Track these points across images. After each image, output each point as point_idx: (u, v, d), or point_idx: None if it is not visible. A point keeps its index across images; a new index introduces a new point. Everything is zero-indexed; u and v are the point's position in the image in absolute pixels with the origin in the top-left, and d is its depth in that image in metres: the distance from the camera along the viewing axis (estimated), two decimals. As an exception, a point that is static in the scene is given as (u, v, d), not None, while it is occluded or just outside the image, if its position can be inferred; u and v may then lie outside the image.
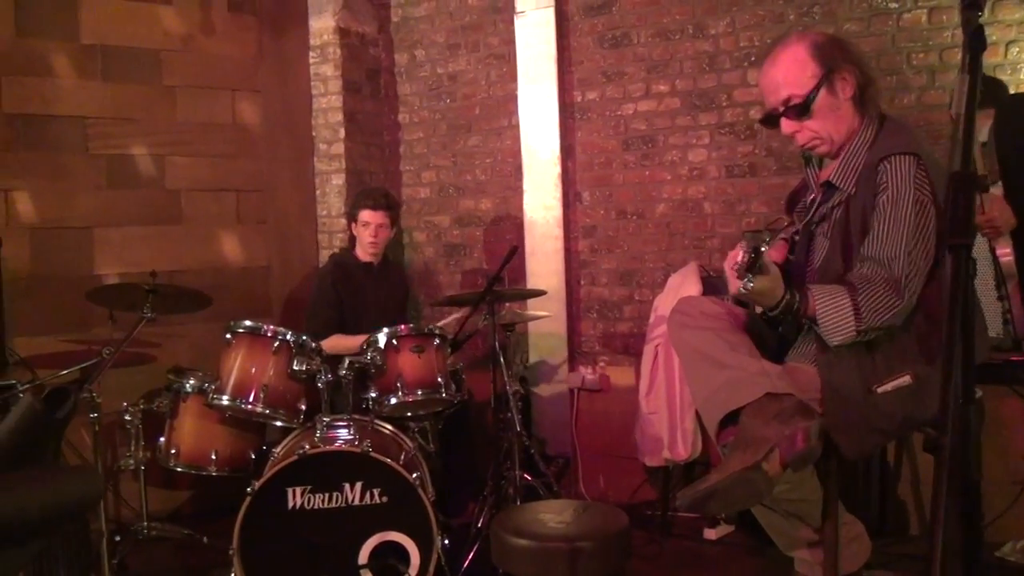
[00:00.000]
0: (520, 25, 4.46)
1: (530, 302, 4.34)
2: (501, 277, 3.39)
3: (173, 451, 3.41)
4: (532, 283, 4.46)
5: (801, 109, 2.10)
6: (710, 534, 3.76)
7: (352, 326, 3.84)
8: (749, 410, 1.88)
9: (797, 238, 2.24)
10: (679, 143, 4.22)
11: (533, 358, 4.56)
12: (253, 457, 3.47)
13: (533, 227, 4.52)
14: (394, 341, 3.25)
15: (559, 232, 4.46)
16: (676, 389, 3.70)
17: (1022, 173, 2.43)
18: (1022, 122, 2.73)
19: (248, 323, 3.22)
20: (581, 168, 4.48)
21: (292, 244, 4.78)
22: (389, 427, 3.37)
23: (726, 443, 1.94)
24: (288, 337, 3.19)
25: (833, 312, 1.90)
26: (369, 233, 3.87)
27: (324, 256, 4.78)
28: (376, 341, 3.26)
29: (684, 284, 3.79)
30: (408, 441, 3.35)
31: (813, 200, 2.22)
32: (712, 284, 3.81)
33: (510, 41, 4.54)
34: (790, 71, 2.11)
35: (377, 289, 3.99)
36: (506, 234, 4.71)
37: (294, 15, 4.73)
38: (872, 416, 1.94)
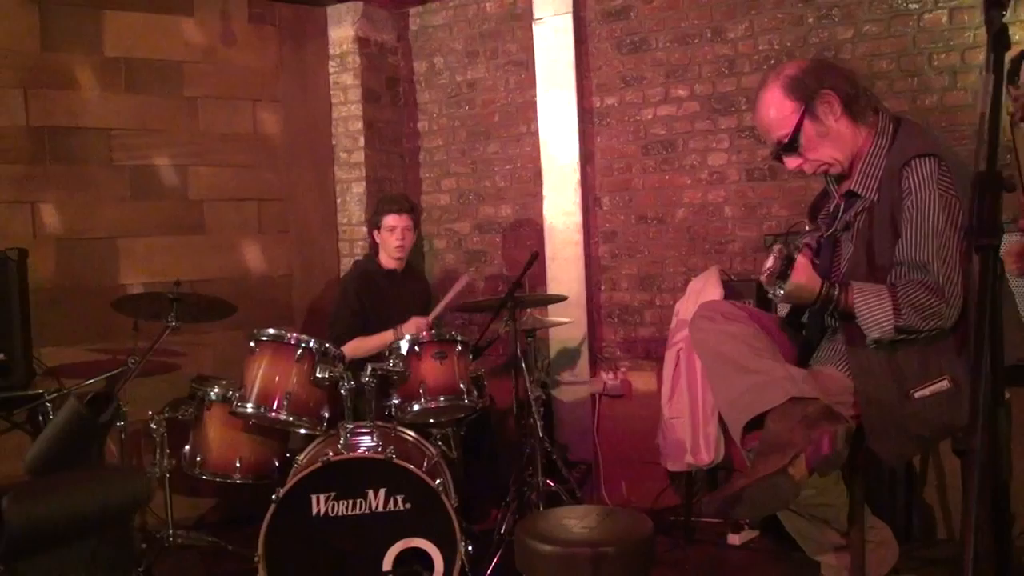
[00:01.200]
0: (539, 32, 4.47)
1: (551, 307, 4.34)
2: (522, 283, 3.39)
3: (198, 459, 3.44)
4: (553, 289, 4.46)
5: (790, 146, 2.13)
6: (734, 539, 3.73)
7: (375, 332, 3.85)
8: (774, 414, 1.87)
9: (822, 242, 2.23)
10: (699, 147, 4.21)
11: (554, 364, 4.56)
12: (277, 465, 3.49)
13: (553, 233, 4.52)
14: (416, 348, 3.26)
15: (579, 237, 4.46)
16: (699, 394, 3.68)
17: None
18: None
19: (271, 331, 3.24)
20: (601, 173, 4.48)
21: (313, 253, 4.81)
22: (412, 434, 3.37)
23: (751, 448, 1.93)
24: (311, 344, 3.20)
25: (872, 305, 1.90)
26: (396, 237, 3.88)
27: (345, 264, 4.81)
28: (398, 348, 3.27)
29: (706, 288, 3.78)
30: (431, 448, 3.36)
31: (836, 208, 2.21)
32: (734, 288, 3.80)
33: (528, 48, 4.56)
34: (771, 113, 2.16)
35: (400, 296, 4.00)
36: (526, 240, 4.72)
37: (313, 25, 4.77)
38: (911, 422, 1.93)
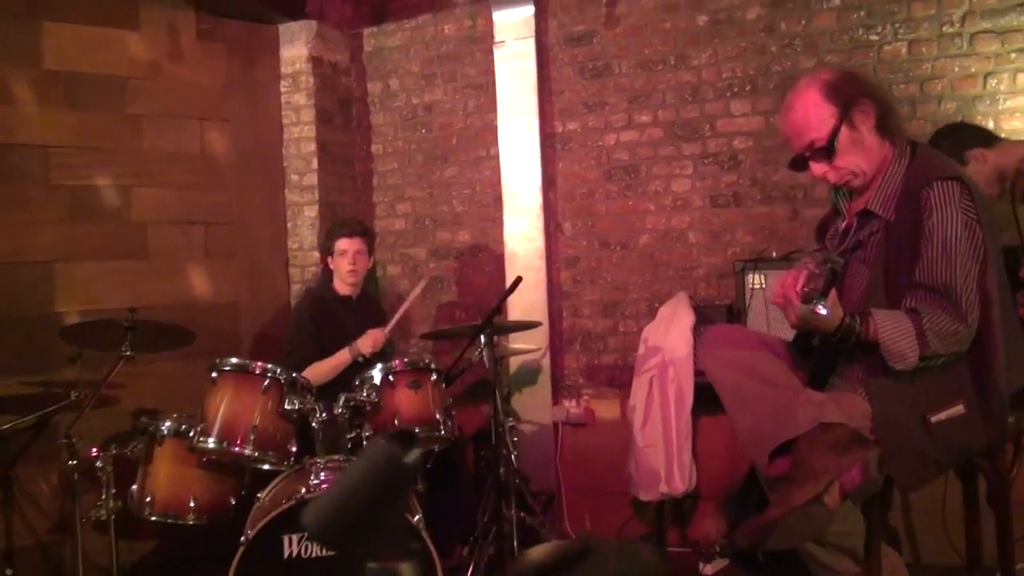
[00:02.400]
0: (500, 55, 4.42)
1: (511, 335, 4.25)
2: (501, 309, 3.29)
3: (148, 499, 3.20)
4: (513, 315, 4.37)
5: (826, 151, 2.09)
6: (707, 569, 3.68)
7: None
8: (803, 441, 1.82)
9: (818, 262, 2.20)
10: (662, 173, 4.20)
11: (515, 392, 4.46)
12: (233, 503, 3.29)
13: (514, 259, 4.44)
14: (390, 377, 3.13)
15: (541, 263, 4.39)
16: (672, 421, 3.64)
17: None
18: None
19: (234, 361, 3.07)
20: (563, 199, 4.43)
21: (262, 279, 4.61)
22: (380, 467, 3.22)
23: (777, 475, 1.87)
24: (279, 375, 3.03)
25: (896, 336, 1.86)
26: (348, 261, 3.74)
27: (296, 291, 4.63)
28: (371, 377, 3.12)
29: (676, 314, 3.75)
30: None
31: (847, 228, 2.19)
32: (704, 314, 3.78)
33: (488, 71, 4.49)
34: (808, 115, 2.10)
35: (357, 323, 3.85)
36: (485, 266, 4.63)
37: (264, 43, 4.61)
38: (928, 447, 1.90)
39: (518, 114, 4.40)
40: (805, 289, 1.80)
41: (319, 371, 3.54)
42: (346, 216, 4.48)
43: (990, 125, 3.58)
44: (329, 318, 3.76)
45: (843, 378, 2.06)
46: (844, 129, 2.05)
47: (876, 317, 1.90)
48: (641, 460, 3.71)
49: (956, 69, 3.61)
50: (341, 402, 2.98)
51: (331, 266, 3.84)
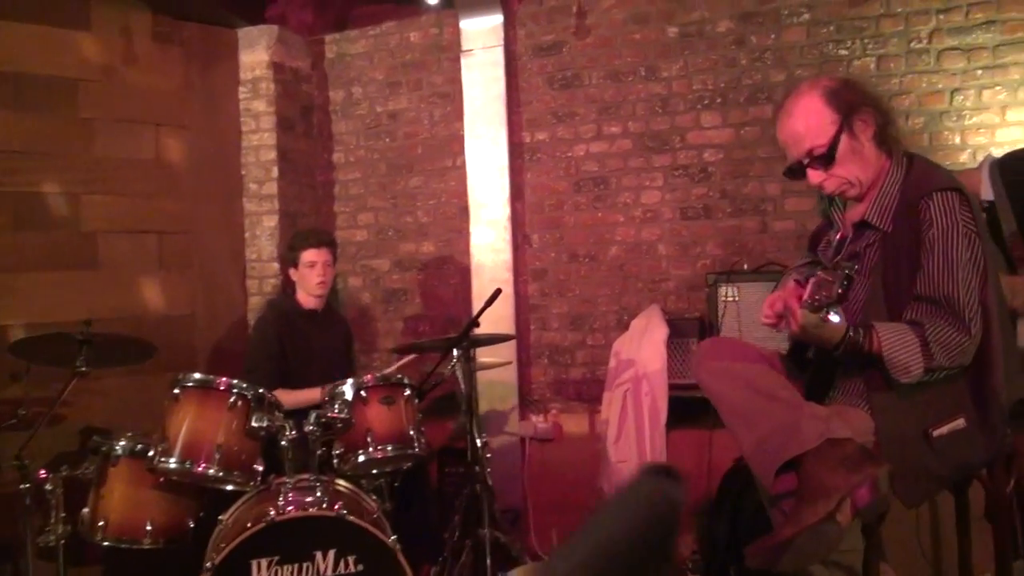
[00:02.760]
0: (467, 64, 4.34)
1: (479, 348, 4.15)
2: (479, 322, 3.21)
3: (100, 523, 3.00)
4: (480, 328, 4.26)
5: (826, 159, 2.05)
6: (680, 585, 3.64)
7: (297, 378, 3.57)
8: (812, 457, 1.77)
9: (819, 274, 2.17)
10: (632, 185, 4.17)
11: (481, 407, 4.36)
12: (192, 526, 3.12)
13: (481, 270, 4.36)
14: (362, 393, 3.01)
15: (508, 276, 4.32)
16: (646, 436, 3.59)
17: None
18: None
19: (198, 376, 2.91)
20: (531, 210, 4.37)
21: (219, 291, 4.44)
22: (348, 486, 3.09)
23: (783, 492, 1.82)
24: (245, 391, 2.89)
25: (900, 349, 1.82)
26: (317, 273, 3.62)
27: (254, 303, 4.48)
28: (342, 393, 3.00)
29: (649, 327, 3.71)
30: (370, 501, 3.09)
31: (842, 239, 2.15)
32: (677, 327, 3.75)
33: (455, 80, 4.42)
34: (809, 122, 2.06)
35: (322, 337, 3.73)
36: (450, 278, 4.54)
37: (223, 48, 4.46)
38: (931, 462, 1.87)
39: (486, 124, 4.32)
40: (816, 297, 1.75)
41: (285, 400, 3.40)
42: (309, 226, 4.35)
43: (956, 141, 3.63)
44: (294, 333, 3.63)
45: (843, 392, 2.02)
46: (844, 137, 2.02)
47: (879, 330, 1.87)
48: (614, 476, 3.65)
49: (924, 85, 3.65)
50: (312, 419, 2.85)
51: (294, 278, 3.70)
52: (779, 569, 1.75)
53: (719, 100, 4.00)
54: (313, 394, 3.45)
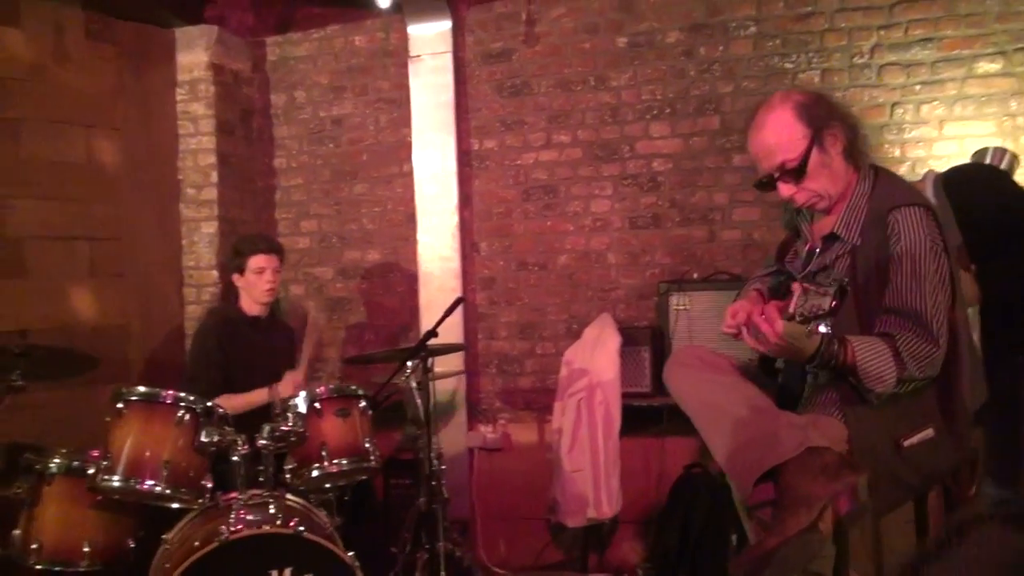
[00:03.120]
0: (415, 70, 4.29)
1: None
2: (437, 332, 3.15)
3: (34, 546, 2.83)
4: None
5: (797, 172, 2.06)
6: (634, 596, 3.64)
7: (241, 387, 3.44)
8: (791, 467, 1.78)
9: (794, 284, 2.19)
10: (581, 193, 4.18)
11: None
12: (132, 546, 2.98)
13: (429, 279, 4.30)
14: (316, 405, 2.91)
15: (456, 284, 4.27)
16: (600, 445, 3.59)
17: (980, 247, 2.51)
18: (969, 194, 2.85)
19: (143, 390, 2.78)
20: (479, 218, 4.33)
21: (154, 300, 4.27)
22: (300, 501, 3.00)
23: (762, 500, 1.83)
24: (193, 404, 2.77)
25: (874, 360, 1.84)
26: (266, 280, 3.51)
27: (191, 312, 4.33)
28: (295, 405, 2.91)
29: (602, 336, 3.71)
30: (322, 516, 3.00)
31: (810, 250, 2.18)
32: (629, 335, 3.76)
33: (403, 86, 4.36)
34: (780, 135, 2.07)
35: (266, 345, 3.61)
36: (396, 287, 4.46)
37: (159, 48, 4.30)
38: (902, 471, 1.90)
39: (434, 130, 4.27)
40: (802, 309, 1.75)
41: (229, 405, 3.28)
42: (253, 232, 4.22)
43: (896, 153, 3.74)
44: (237, 341, 3.51)
45: (814, 402, 2.03)
46: (815, 151, 2.04)
47: (853, 341, 1.88)
48: (568, 485, 3.64)
49: (866, 98, 3.76)
50: (265, 433, 2.75)
51: (239, 284, 3.58)
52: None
53: (668, 110, 4.04)
54: (259, 395, 3.35)
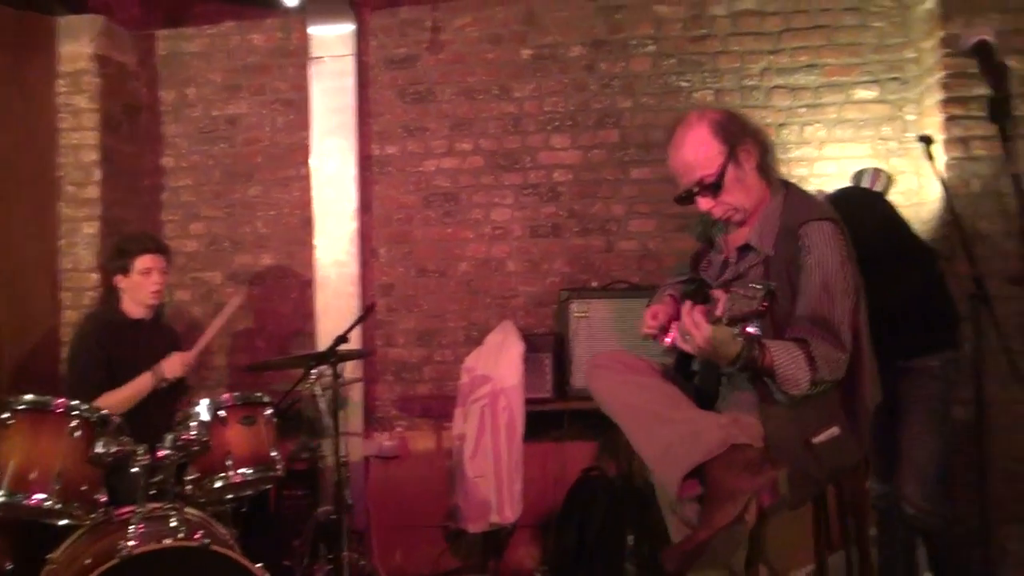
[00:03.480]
0: (315, 72, 4.21)
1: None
2: (348, 337, 3.09)
3: None
4: (324, 344, 4.12)
5: (714, 187, 2.18)
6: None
7: None
8: (717, 463, 1.86)
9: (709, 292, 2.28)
10: (482, 201, 4.21)
11: (325, 425, 4.20)
12: (10, 568, 2.80)
13: (326, 284, 4.22)
14: (220, 413, 2.82)
15: (354, 290, 4.21)
16: (503, 451, 3.62)
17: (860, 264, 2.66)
18: (849, 216, 3.05)
19: (31, 398, 2.61)
20: (379, 223, 4.29)
21: (27, 303, 4.00)
22: (198, 514, 2.88)
23: (689, 496, 1.90)
24: (87, 414, 2.62)
25: (790, 364, 1.95)
26: (153, 281, 3.36)
27: (68, 317, 4.08)
28: (197, 414, 2.79)
29: (505, 343, 3.75)
30: (222, 528, 2.90)
31: (725, 260, 2.29)
32: (530, 342, 3.81)
33: (302, 87, 4.27)
34: (698, 153, 2.19)
35: (150, 350, 3.45)
36: (291, 292, 4.36)
37: (39, 36, 4.04)
38: (812, 466, 2.02)
39: (333, 134, 4.21)
40: (731, 312, 1.84)
41: (115, 400, 3.13)
42: (137, 231, 4.02)
43: (781, 172, 3.93)
44: (120, 344, 3.34)
45: (730, 403, 2.14)
46: (731, 167, 2.16)
47: (770, 346, 1.99)
48: (471, 491, 3.65)
49: (755, 119, 3.92)
50: (168, 443, 2.63)
51: (121, 286, 3.41)
52: (693, 570, 1.83)
53: (569, 122, 4.13)
54: (143, 381, 3.23)
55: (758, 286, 1.81)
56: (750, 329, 1.83)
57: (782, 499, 1.87)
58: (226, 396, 2.89)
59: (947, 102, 3.55)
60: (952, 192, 3.28)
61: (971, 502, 3.37)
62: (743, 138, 2.19)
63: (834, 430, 2.06)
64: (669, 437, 1.95)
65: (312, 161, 4.23)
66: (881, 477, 2.82)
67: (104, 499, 2.66)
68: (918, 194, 3.77)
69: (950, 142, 3.52)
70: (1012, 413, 3.40)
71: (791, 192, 2.25)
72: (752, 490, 1.81)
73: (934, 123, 3.60)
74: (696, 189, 2.19)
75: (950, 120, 3.55)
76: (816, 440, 2.04)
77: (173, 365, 3.26)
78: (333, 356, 2.99)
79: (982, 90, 3.44)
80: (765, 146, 2.23)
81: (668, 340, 2.34)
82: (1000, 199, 3.45)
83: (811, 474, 2.05)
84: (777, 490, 1.85)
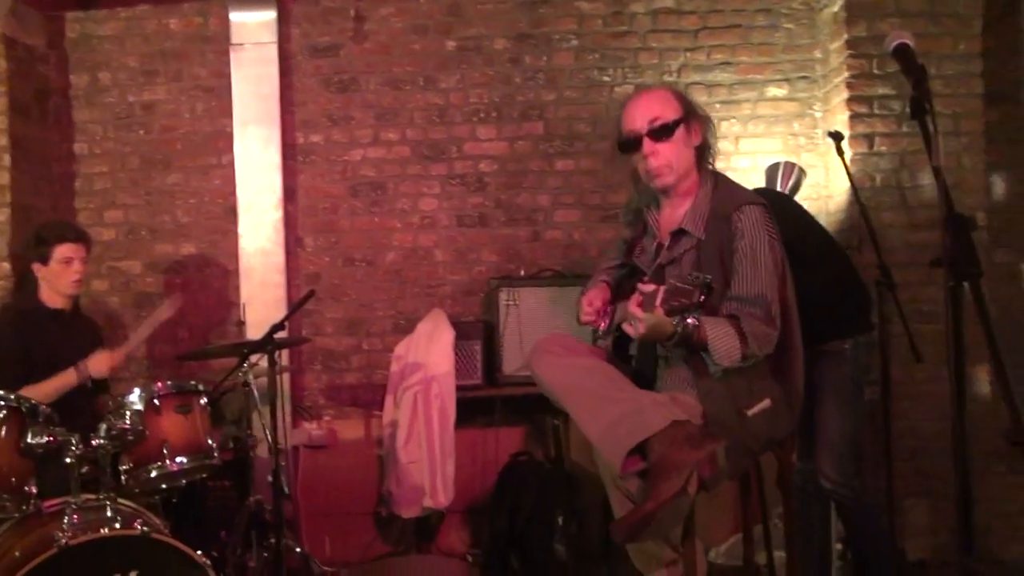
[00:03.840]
0: (237, 59, 4.15)
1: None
2: (284, 324, 3.09)
3: None
4: (251, 334, 4.09)
5: (665, 131, 2.28)
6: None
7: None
8: (660, 438, 1.97)
9: (646, 278, 2.39)
10: (409, 191, 4.24)
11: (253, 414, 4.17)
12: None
13: (251, 274, 4.18)
14: (155, 401, 2.79)
15: (281, 279, 4.19)
16: (435, 437, 3.68)
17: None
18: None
19: (-45, 388, 2.53)
20: (304, 213, 4.27)
21: (-69, 294, 3.83)
22: (131, 504, 2.84)
23: (632, 471, 2.01)
24: (15, 403, 2.56)
25: (723, 339, 2.09)
26: (73, 270, 3.28)
27: (-24, 308, 3.91)
28: (131, 403, 2.76)
29: (437, 330, 3.81)
30: (156, 519, 2.87)
31: (659, 245, 2.40)
32: (460, 329, 3.87)
33: (222, 74, 4.20)
34: (658, 101, 2.33)
35: (70, 341, 3.36)
36: (214, 281, 4.29)
37: (-60, 14, 3.86)
38: (746, 437, 2.16)
39: (257, 122, 4.16)
40: (672, 302, 1.95)
41: (36, 394, 3.03)
42: (58, 219, 3.89)
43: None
44: (38, 335, 3.25)
45: (668, 381, 2.26)
46: (682, 127, 2.29)
47: (705, 323, 2.12)
48: (404, 477, 3.70)
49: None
50: (102, 432, 2.59)
51: (39, 275, 3.32)
52: (641, 540, 1.93)
53: (494, 114, 4.21)
54: (66, 377, 3.15)
55: (695, 278, 1.93)
56: (689, 320, 1.96)
57: (721, 470, 2.00)
58: (159, 385, 2.86)
59: (852, 100, 3.79)
60: (858, 186, 3.51)
61: (879, 476, 3.64)
62: (696, 116, 2.34)
63: (766, 403, 2.21)
64: (612, 416, 2.05)
65: (235, 149, 4.18)
66: (799, 454, 3.01)
67: (35, 491, 2.60)
68: (827, 187, 4.01)
69: (855, 138, 3.77)
70: (914, 393, 3.67)
71: (720, 181, 2.39)
72: (694, 463, 1.93)
73: (840, 120, 3.84)
74: (647, 130, 2.28)
75: (855, 117, 3.79)
76: (750, 412, 2.18)
77: (99, 364, 3.19)
78: (270, 344, 2.99)
79: (885, 90, 3.75)
80: (708, 135, 2.37)
81: (604, 325, 2.46)
82: (902, 192, 3.72)
83: (747, 445, 2.19)
84: (716, 462, 1.97)
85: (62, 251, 3.26)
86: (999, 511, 3.81)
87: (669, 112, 2.30)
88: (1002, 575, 3.38)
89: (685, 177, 2.35)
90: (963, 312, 1.42)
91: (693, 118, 2.33)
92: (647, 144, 2.30)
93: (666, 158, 2.30)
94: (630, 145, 2.34)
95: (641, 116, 2.31)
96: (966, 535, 1.70)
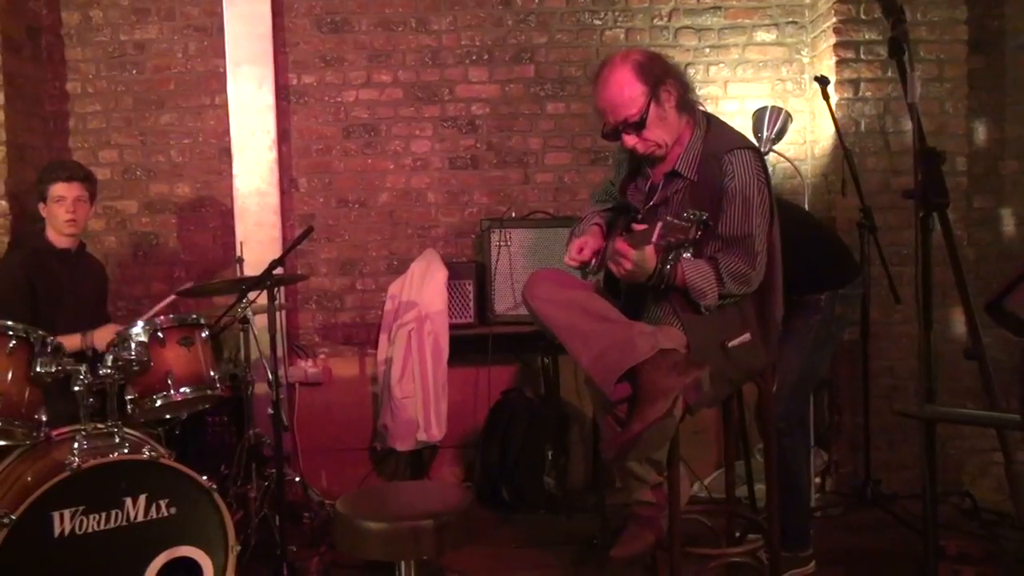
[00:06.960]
0: (229, -2, 4.15)
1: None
2: (284, 261, 3.17)
3: None
4: (248, 272, 4.16)
5: (637, 125, 2.34)
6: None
7: (45, 323, 3.24)
8: (648, 365, 2.09)
9: (640, 217, 2.48)
10: (402, 133, 4.29)
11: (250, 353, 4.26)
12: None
13: (245, 214, 4.24)
14: (159, 334, 2.87)
15: (275, 220, 4.25)
16: (429, 373, 3.79)
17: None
18: None
19: (-36, 319, 2.60)
20: (298, 154, 4.32)
21: (-71, 232, 3.87)
22: (136, 433, 2.95)
23: (621, 396, 2.13)
24: (23, 333, 2.63)
25: (700, 280, 2.20)
26: (65, 209, 3.33)
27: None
28: (136, 335, 2.84)
29: (430, 270, 3.89)
30: (161, 448, 2.97)
31: (652, 185, 2.48)
32: (453, 269, 3.96)
33: (214, 13, 4.20)
34: (622, 93, 2.33)
35: (75, 280, 3.45)
36: (210, 221, 4.36)
37: (-70, -50, 3.83)
38: (727, 368, 2.28)
39: (250, 63, 4.18)
40: (669, 239, 2.04)
41: None
42: (64, 159, 3.92)
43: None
44: (47, 274, 3.33)
45: (654, 315, 2.36)
46: (653, 107, 2.32)
47: (683, 264, 2.23)
48: (398, 411, 3.81)
49: (664, 57, 4.17)
50: (109, 362, 2.68)
51: (43, 213, 3.38)
52: (629, 460, 2.05)
53: (486, 57, 4.24)
54: (71, 341, 3.20)
55: (692, 215, 2.01)
56: (685, 255, 2.05)
57: (704, 396, 2.11)
58: (162, 318, 2.94)
59: (839, 46, 3.85)
60: (843, 131, 3.59)
61: (856, 413, 3.78)
62: (664, 79, 2.34)
63: (746, 336, 2.32)
64: (603, 345, 2.16)
65: (228, 90, 4.20)
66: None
67: (45, 418, 2.69)
68: (812, 132, 4.09)
69: (841, 83, 3.84)
70: (893, 333, 3.80)
71: (712, 123, 2.45)
72: (680, 388, 2.04)
73: (827, 66, 3.90)
74: (621, 127, 2.35)
75: (841, 63, 3.86)
76: (731, 344, 2.29)
77: (104, 337, 3.22)
78: (270, 280, 3.06)
79: (872, 35, 3.81)
80: (684, 84, 2.41)
81: (596, 261, 2.56)
82: (885, 137, 3.80)
83: (727, 374, 2.31)
84: (700, 387, 2.09)
85: (55, 190, 3.32)
86: (970, 447, 3.97)
87: (634, 105, 2.30)
88: (972, 509, 3.53)
89: (677, 136, 2.41)
90: (931, 240, 1.51)
91: (662, 85, 2.32)
92: (627, 139, 2.36)
93: (650, 142, 2.36)
94: (611, 137, 2.40)
95: (611, 114, 2.35)
96: (929, 458, 1.81)
